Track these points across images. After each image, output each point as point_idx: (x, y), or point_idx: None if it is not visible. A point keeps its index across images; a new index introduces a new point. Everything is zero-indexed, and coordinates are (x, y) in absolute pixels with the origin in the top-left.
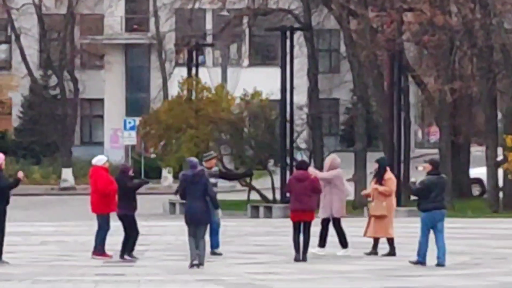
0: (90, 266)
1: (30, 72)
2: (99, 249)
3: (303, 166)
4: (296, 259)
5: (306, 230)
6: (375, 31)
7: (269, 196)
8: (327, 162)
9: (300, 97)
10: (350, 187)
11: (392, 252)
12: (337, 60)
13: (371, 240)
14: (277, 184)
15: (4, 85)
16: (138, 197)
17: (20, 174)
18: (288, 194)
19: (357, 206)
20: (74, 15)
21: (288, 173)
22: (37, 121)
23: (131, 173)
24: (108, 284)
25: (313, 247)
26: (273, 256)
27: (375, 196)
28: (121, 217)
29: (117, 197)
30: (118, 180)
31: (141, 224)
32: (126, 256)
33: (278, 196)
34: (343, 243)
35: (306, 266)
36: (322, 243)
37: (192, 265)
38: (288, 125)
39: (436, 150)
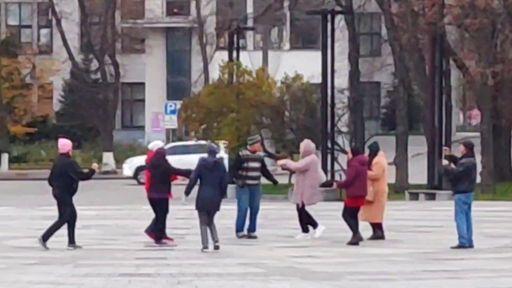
0: (131, 250)
1: (71, 56)
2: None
3: None
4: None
5: None
6: (417, 14)
7: None
8: (301, 147)
9: (341, 80)
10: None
11: (377, 236)
12: (378, 44)
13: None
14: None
15: (45, 70)
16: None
17: (95, 166)
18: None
19: (398, 190)
20: None
21: (329, 157)
22: (78, 105)
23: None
24: (149, 268)
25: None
26: (313, 240)
27: None
28: (155, 200)
29: (150, 181)
30: (155, 163)
31: (182, 208)
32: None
33: None
34: (304, 227)
35: (347, 249)
36: (305, 228)
37: (204, 249)
38: (329, 108)
39: (477, 134)
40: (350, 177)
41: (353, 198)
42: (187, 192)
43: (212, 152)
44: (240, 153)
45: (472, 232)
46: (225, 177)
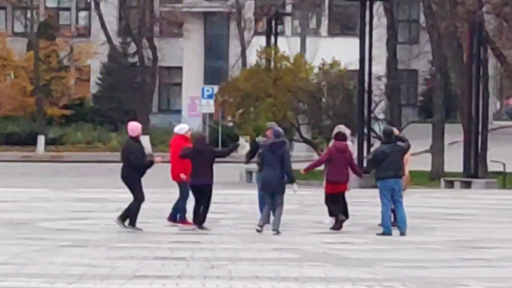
0: (166, 233)
1: (109, 40)
2: (181, 217)
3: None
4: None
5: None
6: (455, 2)
7: None
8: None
9: (379, 67)
10: None
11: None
12: (416, 31)
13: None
14: (355, 154)
15: (83, 52)
16: (216, 165)
17: (158, 159)
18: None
19: (433, 177)
20: None
21: (365, 143)
22: (115, 88)
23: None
24: (184, 252)
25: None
26: (348, 226)
27: None
28: (199, 187)
29: (193, 167)
30: (199, 148)
31: (217, 192)
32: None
33: None
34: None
35: (382, 236)
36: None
37: (258, 228)
38: (366, 95)
39: None
40: (321, 158)
41: (332, 184)
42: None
43: (276, 134)
44: (256, 140)
45: (402, 218)
46: (286, 158)
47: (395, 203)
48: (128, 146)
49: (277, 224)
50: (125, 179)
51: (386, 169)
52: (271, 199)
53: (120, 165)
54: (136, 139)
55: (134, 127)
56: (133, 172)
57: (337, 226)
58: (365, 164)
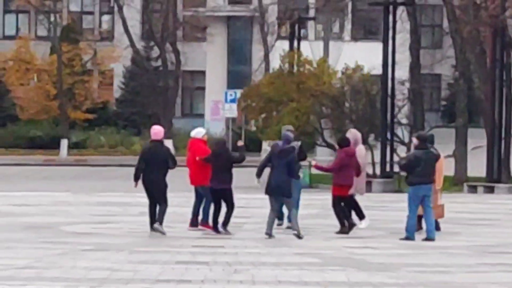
0: (188, 238)
1: (132, 43)
2: (204, 221)
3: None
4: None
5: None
6: (479, 7)
7: (369, 170)
8: (350, 138)
9: (402, 72)
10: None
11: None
12: (440, 36)
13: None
14: (377, 158)
15: (106, 56)
16: (239, 170)
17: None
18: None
19: (456, 182)
20: None
21: (388, 148)
22: (139, 92)
23: (240, 143)
24: (206, 256)
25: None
26: (371, 231)
27: None
28: (218, 191)
29: (212, 171)
30: (217, 151)
31: (240, 197)
32: (221, 230)
33: (378, 171)
34: (361, 215)
35: (404, 241)
36: (361, 215)
37: (268, 234)
38: (389, 99)
39: None
40: (334, 166)
41: (338, 187)
42: (258, 175)
43: (284, 138)
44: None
45: (431, 222)
46: (293, 164)
47: (426, 209)
48: (162, 150)
49: (296, 228)
50: (156, 181)
51: (419, 175)
52: (277, 204)
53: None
54: (161, 142)
55: (158, 130)
56: (165, 174)
57: (346, 230)
58: (388, 168)
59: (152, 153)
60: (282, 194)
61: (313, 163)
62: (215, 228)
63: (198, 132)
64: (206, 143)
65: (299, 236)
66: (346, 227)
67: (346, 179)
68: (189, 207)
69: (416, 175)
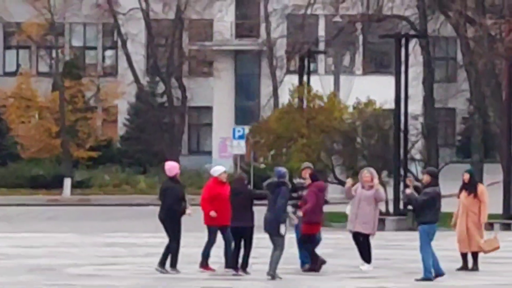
0: (197, 279)
1: (136, 79)
2: (202, 263)
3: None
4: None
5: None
6: (494, 38)
7: (382, 208)
8: (374, 174)
9: (415, 106)
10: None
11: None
12: (454, 69)
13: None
14: (390, 195)
15: (109, 92)
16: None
17: (188, 212)
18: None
19: None
20: (183, 20)
21: (401, 184)
22: (144, 129)
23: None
24: None
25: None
26: (385, 270)
27: None
28: (236, 230)
29: (232, 209)
30: (237, 189)
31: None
32: (240, 271)
33: (391, 209)
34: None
35: (420, 282)
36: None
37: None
38: (402, 135)
39: None
40: (312, 203)
41: (309, 225)
42: None
43: (277, 174)
44: (294, 181)
45: (437, 260)
46: (280, 198)
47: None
48: (180, 187)
49: (273, 269)
50: (164, 220)
51: (435, 213)
52: (271, 242)
53: (149, 208)
54: (174, 180)
55: (171, 166)
56: (172, 212)
57: (317, 267)
58: (401, 206)
59: (166, 189)
60: (268, 231)
61: (299, 214)
62: (235, 268)
63: (214, 171)
64: (220, 182)
65: (273, 277)
66: (318, 264)
67: (315, 216)
68: (197, 248)
69: (433, 213)
